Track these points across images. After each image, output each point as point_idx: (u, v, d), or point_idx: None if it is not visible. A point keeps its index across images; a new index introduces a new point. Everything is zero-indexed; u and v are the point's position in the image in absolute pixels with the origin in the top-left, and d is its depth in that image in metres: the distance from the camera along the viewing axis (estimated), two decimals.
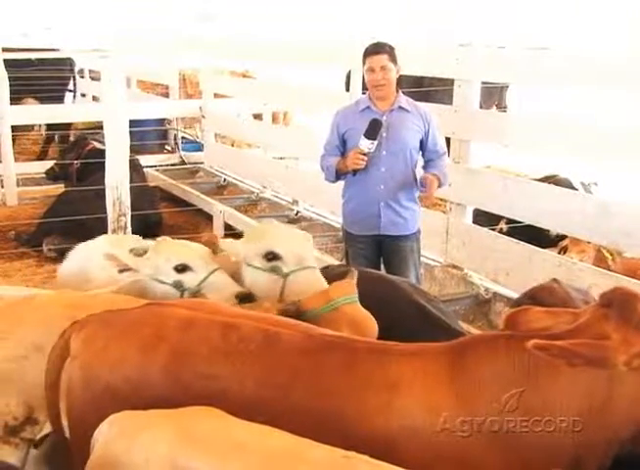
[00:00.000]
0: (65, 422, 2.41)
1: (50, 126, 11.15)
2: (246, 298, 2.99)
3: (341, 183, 4.69)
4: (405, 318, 3.10)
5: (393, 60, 4.37)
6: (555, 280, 3.58)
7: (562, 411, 2.09)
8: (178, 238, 4.51)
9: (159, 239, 3.90)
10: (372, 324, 2.73)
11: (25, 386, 2.61)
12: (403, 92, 4.63)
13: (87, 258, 3.79)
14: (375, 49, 4.38)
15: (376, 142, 4.33)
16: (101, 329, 2.44)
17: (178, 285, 3.05)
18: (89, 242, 3.93)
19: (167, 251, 3.14)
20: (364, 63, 4.42)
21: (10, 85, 8.93)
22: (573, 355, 2.03)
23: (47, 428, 2.58)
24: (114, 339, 2.40)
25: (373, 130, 4.31)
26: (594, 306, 2.19)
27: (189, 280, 3.05)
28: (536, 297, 3.34)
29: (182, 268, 3.07)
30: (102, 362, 2.35)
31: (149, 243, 3.40)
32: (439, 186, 4.52)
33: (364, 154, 4.34)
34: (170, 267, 3.08)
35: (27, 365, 2.62)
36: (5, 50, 9.29)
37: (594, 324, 2.12)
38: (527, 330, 2.23)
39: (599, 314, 2.13)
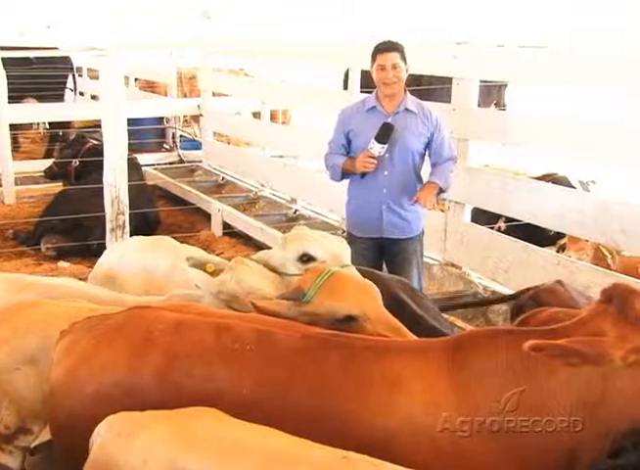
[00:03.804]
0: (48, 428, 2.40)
1: (52, 125, 11.12)
2: None
3: (340, 182, 4.68)
4: None
5: (404, 58, 4.31)
6: (559, 282, 3.54)
7: (559, 406, 2.09)
8: (176, 237, 4.55)
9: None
10: (369, 282, 2.72)
11: (16, 397, 2.57)
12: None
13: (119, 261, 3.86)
14: (386, 46, 4.31)
15: (386, 146, 4.29)
16: (86, 335, 2.40)
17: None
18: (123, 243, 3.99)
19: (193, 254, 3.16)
20: (374, 59, 4.33)
21: (10, 84, 8.89)
22: (571, 354, 2.02)
23: (43, 436, 2.56)
24: (101, 344, 2.36)
25: (385, 134, 4.28)
26: (595, 303, 2.19)
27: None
28: (539, 299, 3.31)
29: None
30: (89, 368, 2.31)
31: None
32: (439, 193, 4.48)
33: (374, 157, 4.30)
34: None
35: (18, 377, 2.57)
36: (3, 49, 9.25)
37: (591, 320, 2.13)
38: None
39: (598, 310, 2.14)
